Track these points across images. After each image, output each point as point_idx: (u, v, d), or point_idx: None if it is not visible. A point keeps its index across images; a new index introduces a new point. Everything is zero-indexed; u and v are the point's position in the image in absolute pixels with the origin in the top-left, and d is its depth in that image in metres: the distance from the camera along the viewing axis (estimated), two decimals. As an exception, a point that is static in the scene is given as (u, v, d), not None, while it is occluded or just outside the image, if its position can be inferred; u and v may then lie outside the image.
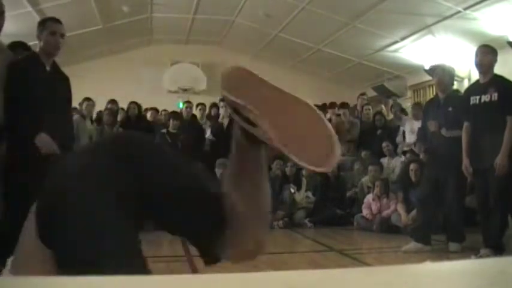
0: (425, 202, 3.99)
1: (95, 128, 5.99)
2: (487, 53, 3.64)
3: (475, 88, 3.77)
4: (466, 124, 3.70)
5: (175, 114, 6.72)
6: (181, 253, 1.15)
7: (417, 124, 5.92)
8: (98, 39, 8.19)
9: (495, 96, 3.51)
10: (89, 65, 8.57)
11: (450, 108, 3.88)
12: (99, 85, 7.56)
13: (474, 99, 3.65)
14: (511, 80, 3.60)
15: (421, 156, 5.12)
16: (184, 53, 9.24)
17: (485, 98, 3.57)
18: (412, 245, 3.81)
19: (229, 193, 1.00)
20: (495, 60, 3.65)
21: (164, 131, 6.48)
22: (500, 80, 3.61)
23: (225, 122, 6.86)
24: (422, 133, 4.38)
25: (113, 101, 6.54)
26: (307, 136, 0.90)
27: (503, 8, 5.50)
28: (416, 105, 6.58)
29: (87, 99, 5.96)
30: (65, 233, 0.87)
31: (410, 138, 5.98)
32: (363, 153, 6.45)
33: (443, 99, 3.99)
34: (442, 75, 4.07)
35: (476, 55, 3.68)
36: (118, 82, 8.28)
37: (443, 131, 3.87)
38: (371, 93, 8.50)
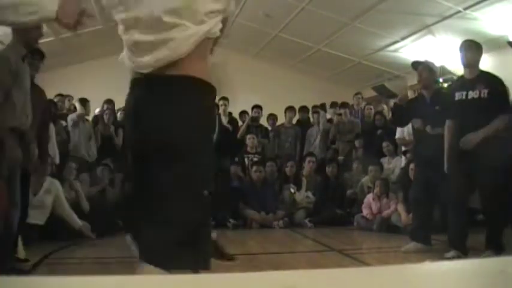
0: (416, 202, 3.96)
1: (92, 127, 5.94)
2: (470, 48, 3.53)
3: (461, 84, 3.60)
4: (448, 123, 3.56)
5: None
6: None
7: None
8: (99, 39, 8.17)
9: (485, 92, 3.37)
10: (89, 65, 8.55)
11: (437, 107, 3.75)
12: (99, 85, 7.54)
13: (460, 95, 3.48)
14: (498, 76, 3.48)
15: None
16: (184, 53, 9.22)
17: (473, 94, 3.42)
18: (412, 245, 3.79)
19: None
20: (480, 55, 3.54)
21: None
22: (489, 76, 3.47)
23: (225, 122, 6.85)
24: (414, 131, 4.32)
25: (109, 101, 6.44)
26: None
27: (503, 8, 5.49)
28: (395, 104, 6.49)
29: (83, 100, 5.87)
30: None
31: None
32: (357, 142, 6.46)
33: (429, 98, 3.88)
34: (421, 71, 3.92)
35: (461, 50, 3.57)
36: (118, 82, 8.23)
37: (428, 128, 3.77)
38: (371, 93, 8.49)
